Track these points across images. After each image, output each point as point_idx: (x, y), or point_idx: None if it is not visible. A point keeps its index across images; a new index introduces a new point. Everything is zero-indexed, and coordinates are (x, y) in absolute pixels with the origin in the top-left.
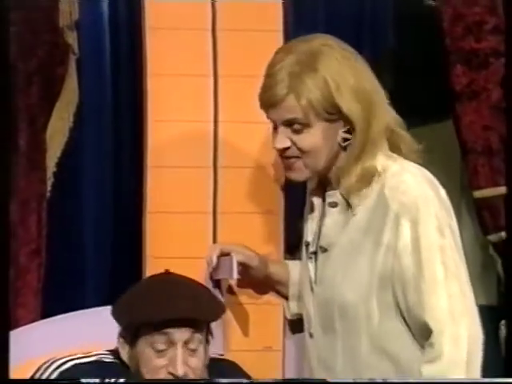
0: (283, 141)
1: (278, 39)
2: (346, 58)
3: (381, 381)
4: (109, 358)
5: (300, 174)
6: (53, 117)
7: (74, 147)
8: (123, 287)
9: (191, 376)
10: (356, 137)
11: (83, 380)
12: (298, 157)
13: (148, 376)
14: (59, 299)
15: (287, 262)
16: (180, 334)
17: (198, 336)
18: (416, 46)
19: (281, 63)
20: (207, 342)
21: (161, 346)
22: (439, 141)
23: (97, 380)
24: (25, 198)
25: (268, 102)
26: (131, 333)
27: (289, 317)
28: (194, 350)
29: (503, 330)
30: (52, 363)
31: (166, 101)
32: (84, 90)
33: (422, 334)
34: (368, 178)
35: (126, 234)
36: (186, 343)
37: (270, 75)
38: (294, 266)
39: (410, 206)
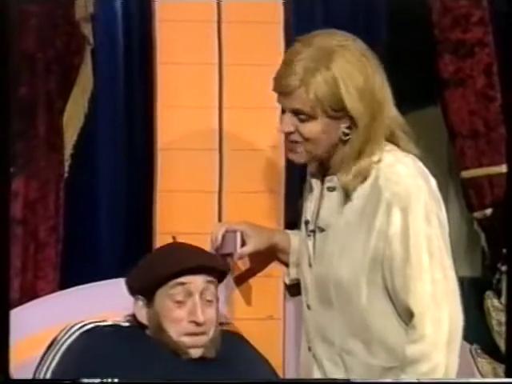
0: (288, 126)
1: (279, 31)
2: (359, 60)
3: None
4: (125, 323)
5: (299, 157)
6: (69, 103)
7: (90, 131)
8: (135, 260)
9: (208, 326)
10: (357, 135)
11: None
12: (299, 141)
13: (171, 328)
14: (76, 272)
15: (288, 231)
16: (196, 284)
17: (213, 287)
18: (407, 36)
19: (299, 55)
20: (217, 301)
21: (179, 297)
22: (427, 126)
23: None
24: (44, 178)
25: (280, 89)
26: (149, 292)
27: (288, 282)
28: (209, 301)
29: (487, 301)
30: (74, 325)
31: (174, 88)
32: (98, 77)
33: (407, 315)
34: (364, 175)
35: (137, 211)
36: (202, 294)
37: (288, 63)
38: (294, 236)
39: (402, 196)
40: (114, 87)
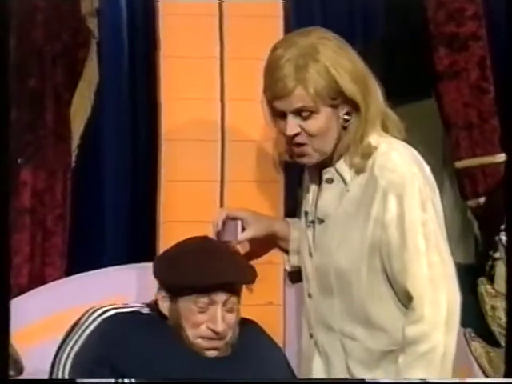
0: (293, 128)
1: (279, 25)
2: (341, 48)
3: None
4: (145, 310)
5: (310, 158)
6: (76, 95)
7: (96, 122)
8: (139, 248)
9: (226, 331)
10: (359, 118)
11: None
12: (306, 143)
13: (190, 330)
14: (82, 259)
15: (288, 219)
16: (221, 296)
17: (235, 297)
18: (403, 31)
19: (285, 57)
20: (239, 303)
21: (202, 304)
22: (423, 117)
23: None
24: (52, 168)
25: (278, 94)
26: (174, 291)
27: (288, 269)
28: (231, 309)
29: (481, 287)
30: (95, 311)
31: (177, 80)
32: (104, 70)
33: (406, 298)
34: (369, 154)
35: (142, 200)
36: (224, 303)
37: (276, 69)
38: (294, 224)
39: (397, 183)
40: (119, 80)
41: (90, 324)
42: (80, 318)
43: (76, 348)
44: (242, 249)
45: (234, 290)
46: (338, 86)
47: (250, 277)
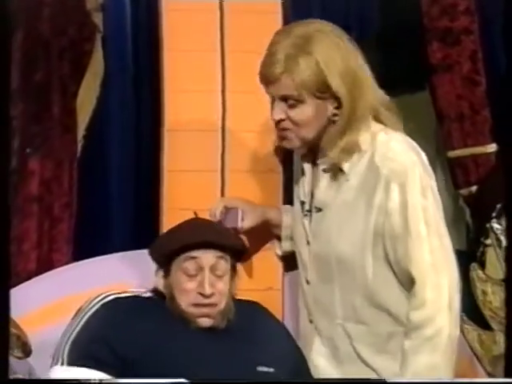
0: (279, 113)
1: (277, 20)
2: (336, 43)
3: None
4: (147, 294)
5: (291, 143)
6: (82, 87)
7: (101, 113)
8: (144, 235)
9: (217, 297)
10: (342, 113)
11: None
12: (290, 128)
13: (181, 298)
14: (88, 245)
15: (281, 207)
16: (207, 259)
17: (223, 263)
18: (398, 25)
19: (279, 44)
20: (233, 276)
21: (191, 271)
22: (417, 109)
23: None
24: (59, 157)
25: (267, 78)
26: (164, 263)
27: (280, 253)
28: (220, 276)
29: (472, 272)
30: (96, 297)
31: (180, 73)
32: (109, 63)
33: (409, 283)
34: (351, 150)
35: (145, 188)
36: (213, 269)
37: (270, 54)
38: (286, 211)
39: (399, 172)
40: (123, 73)
41: (89, 309)
42: (83, 304)
43: (76, 332)
44: (243, 236)
45: (220, 254)
46: (325, 80)
47: (235, 242)
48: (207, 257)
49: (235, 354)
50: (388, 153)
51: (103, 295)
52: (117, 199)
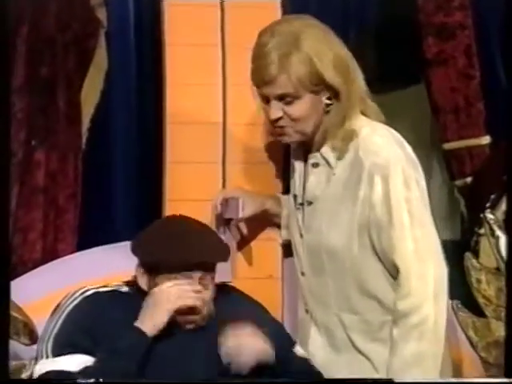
0: (276, 112)
1: (277, 16)
2: (323, 36)
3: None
4: (124, 289)
5: (291, 138)
6: (86, 81)
7: (105, 106)
8: (146, 225)
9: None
10: (339, 103)
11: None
12: (288, 125)
13: None
14: (92, 235)
15: (280, 196)
16: (196, 273)
17: (210, 274)
18: (394, 21)
19: (269, 45)
20: (214, 278)
21: (181, 281)
22: (413, 102)
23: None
24: (64, 149)
25: (262, 80)
26: (151, 269)
27: (280, 241)
28: (206, 285)
29: (467, 261)
30: (76, 291)
31: (181, 67)
32: (112, 58)
33: (394, 272)
34: (349, 138)
35: (148, 179)
36: (201, 279)
37: (261, 56)
38: (284, 200)
39: (382, 165)
40: (126, 67)
41: (70, 303)
42: (64, 298)
43: (57, 326)
44: (242, 227)
45: (208, 267)
46: (320, 73)
47: (224, 255)
48: (197, 272)
49: (213, 344)
50: (371, 146)
51: (82, 290)
52: (120, 190)
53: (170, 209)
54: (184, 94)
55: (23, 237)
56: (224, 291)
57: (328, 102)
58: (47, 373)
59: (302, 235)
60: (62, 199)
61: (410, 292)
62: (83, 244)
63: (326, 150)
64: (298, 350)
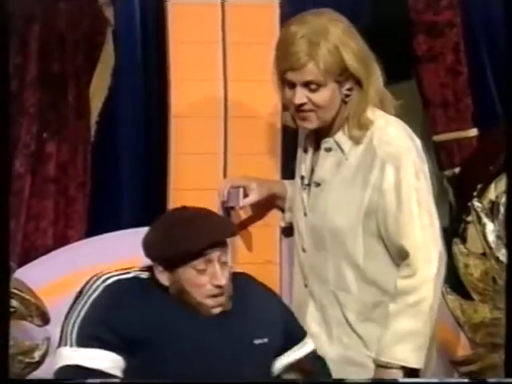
0: (301, 97)
1: (275, 14)
2: (348, 30)
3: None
4: (145, 275)
5: (312, 124)
6: (94, 76)
7: (112, 101)
8: (152, 213)
9: (227, 285)
10: (360, 93)
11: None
12: (311, 110)
13: (196, 292)
14: (101, 222)
15: (285, 181)
16: (215, 253)
17: (226, 250)
18: (386, 19)
19: (299, 34)
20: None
21: (201, 266)
22: (404, 96)
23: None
24: (73, 142)
25: (291, 66)
26: (171, 263)
27: (283, 225)
28: (225, 263)
29: (455, 247)
30: (98, 278)
31: (185, 63)
32: (119, 54)
33: (399, 256)
34: (366, 127)
35: (154, 170)
36: (219, 259)
37: (290, 44)
38: (290, 185)
39: (394, 155)
40: (132, 63)
41: (93, 291)
42: (83, 287)
43: (81, 315)
44: (244, 212)
45: (223, 244)
46: (345, 63)
47: (233, 230)
48: (216, 251)
49: (233, 332)
50: (385, 137)
51: (104, 277)
52: (127, 180)
53: (174, 197)
54: (188, 88)
55: (35, 224)
56: (236, 278)
57: (348, 92)
58: (76, 366)
59: (305, 214)
60: (72, 189)
61: (414, 274)
62: (92, 231)
63: (339, 135)
64: (308, 341)
